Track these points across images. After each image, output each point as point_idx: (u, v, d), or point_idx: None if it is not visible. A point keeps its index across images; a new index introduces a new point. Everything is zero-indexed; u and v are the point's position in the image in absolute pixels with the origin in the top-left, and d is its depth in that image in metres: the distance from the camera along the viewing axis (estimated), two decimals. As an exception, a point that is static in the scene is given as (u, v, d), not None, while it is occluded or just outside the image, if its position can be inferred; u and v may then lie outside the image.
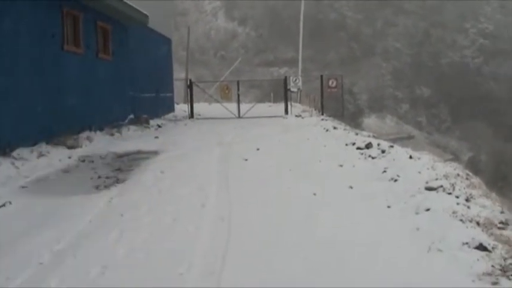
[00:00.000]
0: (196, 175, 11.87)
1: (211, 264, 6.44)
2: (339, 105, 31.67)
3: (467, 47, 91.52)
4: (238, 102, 29.02)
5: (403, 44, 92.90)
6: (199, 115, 28.80)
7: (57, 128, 15.95)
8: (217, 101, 31.45)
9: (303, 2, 46.18)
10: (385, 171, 11.58)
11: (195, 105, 29.64)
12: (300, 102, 39.69)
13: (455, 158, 69.55)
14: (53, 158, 13.87)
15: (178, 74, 53.09)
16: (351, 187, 10.44)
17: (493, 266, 6.31)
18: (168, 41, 31.95)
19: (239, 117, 27.98)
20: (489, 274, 6.12)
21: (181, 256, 6.73)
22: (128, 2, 20.84)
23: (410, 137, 74.26)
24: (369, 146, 14.70)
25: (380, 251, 6.97)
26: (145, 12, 22.60)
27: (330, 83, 29.43)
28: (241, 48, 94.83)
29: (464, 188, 9.82)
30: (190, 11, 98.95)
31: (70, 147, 15.50)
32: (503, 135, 79.46)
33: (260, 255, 6.75)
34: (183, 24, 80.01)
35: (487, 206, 8.94)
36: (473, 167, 59.17)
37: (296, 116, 27.33)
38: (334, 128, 20.68)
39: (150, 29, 26.42)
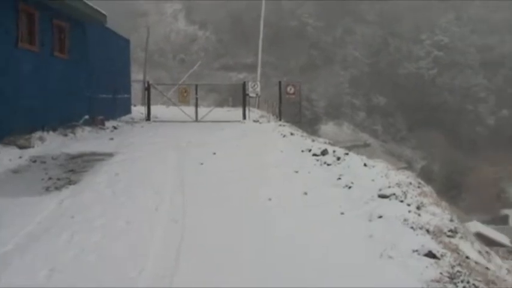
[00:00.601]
0: (151, 178, 11.77)
1: (164, 268, 6.39)
2: (296, 112, 31.80)
3: (423, 58, 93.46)
4: (196, 105, 28.89)
5: (362, 52, 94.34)
6: (157, 118, 28.53)
7: (8, 127, 15.55)
8: (175, 104, 31.24)
9: (263, 8, 46.36)
10: (339, 178, 11.70)
11: (152, 107, 29.36)
12: (258, 108, 39.75)
13: (409, 166, 70.83)
14: (3, 158, 13.52)
15: (137, 76, 52.63)
16: (306, 193, 10.50)
17: (441, 273, 6.44)
18: (126, 42, 31.60)
19: (197, 121, 27.86)
20: (437, 281, 6.25)
21: (133, 259, 6.66)
22: (86, 1, 20.55)
23: (366, 145, 75.33)
24: (324, 152, 14.80)
25: (333, 257, 7.04)
26: (103, 12, 22.31)
27: (289, 89, 29.55)
28: (201, 52, 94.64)
29: (415, 196, 10.01)
30: (151, 13, 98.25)
31: (21, 147, 15.12)
32: (456, 144, 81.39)
33: (213, 258, 6.73)
34: (143, 25, 79.31)
35: (437, 214, 9.14)
36: (426, 175, 60.34)
37: (254, 121, 27.33)
38: (291, 134, 20.76)
39: (108, 29, 26.09)
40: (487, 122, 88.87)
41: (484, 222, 47.81)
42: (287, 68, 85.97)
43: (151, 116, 28.45)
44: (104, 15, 22.54)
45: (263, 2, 47.74)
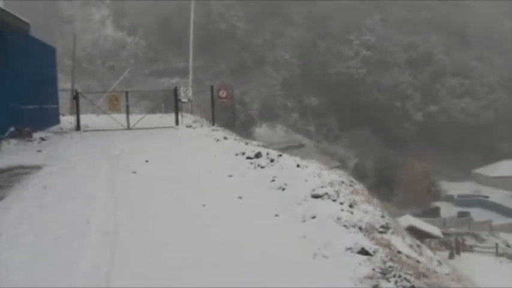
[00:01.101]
0: (81, 190, 11.45)
1: (95, 284, 6.21)
2: (230, 115, 31.82)
3: (352, 57, 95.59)
4: (127, 113, 28.40)
5: (292, 54, 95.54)
6: (87, 127, 27.86)
7: None
8: (106, 113, 30.60)
9: (192, 11, 46.09)
10: (273, 180, 11.76)
11: (82, 116, 28.62)
12: (191, 113, 39.46)
13: (343, 164, 72.25)
14: None
15: (65, 85, 51.26)
16: (240, 197, 10.49)
17: (373, 269, 6.55)
18: (52, 50, 30.74)
19: (129, 128, 27.38)
20: (370, 277, 6.35)
21: (62, 277, 6.44)
22: (7, 10, 19.86)
23: (300, 146, 76.24)
24: (258, 155, 14.85)
25: (268, 259, 7.05)
26: (26, 20, 21.62)
27: (221, 93, 29.45)
28: (131, 58, 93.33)
29: (348, 195, 10.16)
30: (77, 19, 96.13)
31: None
32: (386, 142, 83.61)
33: (147, 272, 6.59)
34: (70, 32, 77.50)
35: (369, 211, 9.31)
36: (359, 173, 61.70)
37: (187, 126, 27.12)
38: (225, 138, 20.73)
39: (32, 38, 25.31)
40: (415, 118, 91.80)
41: (416, 215, 49.17)
42: (219, 71, 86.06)
43: (81, 125, 27.76)
44: (27, 24, 21.86)
45: (192, 5, 47.47)
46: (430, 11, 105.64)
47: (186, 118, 31.52)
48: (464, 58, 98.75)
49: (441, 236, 42.11)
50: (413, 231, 33.46)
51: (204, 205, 9.78)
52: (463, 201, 70.68)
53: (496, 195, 72.63)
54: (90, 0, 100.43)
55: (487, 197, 73.27)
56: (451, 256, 42.74)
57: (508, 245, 52.17)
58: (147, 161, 15.05)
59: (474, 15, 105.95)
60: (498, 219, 60.97)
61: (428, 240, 40.67)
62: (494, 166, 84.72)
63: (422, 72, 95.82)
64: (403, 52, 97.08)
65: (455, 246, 44.86)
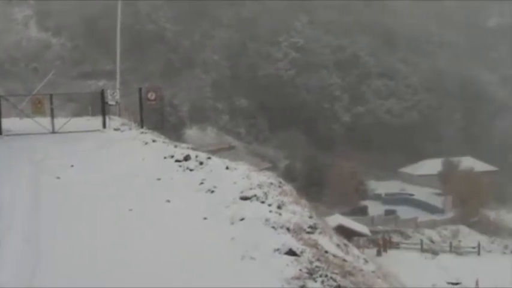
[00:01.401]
0: (1, 196, 11.02)
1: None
2: (159, 118, 31.39)
3: (281, 59, 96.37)
4: (52, 116, 27.50)
5: (221, 56, 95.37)
6: (9, 131, 26.83)
7: None
8: (29, 116, 29.54)
9: (119, 12, 45.19)
10: (202, 183, 11.73)
11: (4, 120, 27.54)
12: (119, 116, 38.67)
13: (273, 166, 72.68)
14: None
15: (-14, 87, 49.33)
16: (169, 200, 10.40)
17: (300, 269, 6.66)
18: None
19: (54, 132, 26.55)
20: (297, 278, 6.45)
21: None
22: None
23: (231, 148, 76.18)
24: (187, 158, 14.77)
25: (197, 261, 7.03)
26: None
27: (149, 95, 29.00)
28: (56, 60, 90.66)
29: (276, 196, 10.27)
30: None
31: None
32: (316, 142, 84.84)
33: (69, 276, 6.42)
34: (-10, 33, 74.71)
35: (297, 212, 9.45)
36: (289, 174, 62.25)
37: (115, 129, 26.53)
38: (154, 141, 20.45)
39: None
40: (343, 119, 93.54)
41: (345, 214, 50.14)
42: (147, 73, 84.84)
43: (3, 129, 26.72)
44: None
45: (119, 5, 46.56)
46: (357, 13, 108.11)
47: (114, 121, 30.88)
48: (389, 60, 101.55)
49: (369, 234, 43.16)
50: (342, 230, 34.17)
51: (130, 209, 9.63)
52: (390, 199, 72.61)
53: (420, 193, 75.02)
54: (12, 0, 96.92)
55: (412, 195, 75.55)
56: (378, 253, 43.87)
57: (432, 241, 54.09)
58: (72, 166, 14.66)
59: (399, 18, 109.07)
60: (423, 216, 63.03)
61: (356, 238, 41.61)
62: (418, 165, 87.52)
63: (349, 74, 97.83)
64: (331, 54, 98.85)
65: (382, 244, 46.08)
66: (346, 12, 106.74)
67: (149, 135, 22.92)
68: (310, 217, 9.41)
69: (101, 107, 28.67)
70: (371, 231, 45.33)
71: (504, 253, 52.58)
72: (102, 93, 28.77)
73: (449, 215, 63.92)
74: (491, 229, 64.62)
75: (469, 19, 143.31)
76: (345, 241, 11.03)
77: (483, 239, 56.40)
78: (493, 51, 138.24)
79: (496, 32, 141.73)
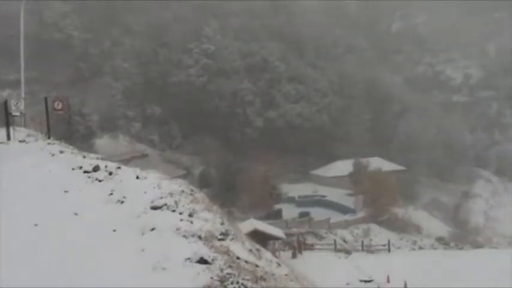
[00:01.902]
0: None
1: None
2: (66, 128, 30.49)
3: (192, 66, 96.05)
4: None
5: (132, 63, 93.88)
6: None
7: None
8: None
9: (22, 20, 43.59)
10: (111, 194, 11.46)
11: None
12: (25, 126, 37.23)
13: (188, 173, 72.42)
14: None
15: None
16: (76, 213, 10.07)
17: (212, 277, 6.63)
18: None
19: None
20: (209, 286, 6.42)
21: None
22: None
23: (144, 156, 75.16)
24: (96, 168, 14.37)
25: (107, 275, 6.84)
26: None
27: (56, 104, 28.04)
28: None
29: (188, 204, 10.19)
30: None
31: None
32: (229, 148, 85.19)
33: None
34: None
35: (209, 219, 9.41)
36: (204, 180, 62.27)
37: (20, 141, 25.44)
38: (61, 152, 19.74)
39: None
40: (256, 124, 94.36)
41: (260, 218, 50.46)
42: (55, 82, 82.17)
43: None
44: None
45: (21, 13, 44.91)
46: (266, 19, 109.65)
47: (19, 132, 29.66)
48: (298, 65, 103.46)
49: (284, 237, 43.63)
50: (257, 234, 34.38)
51: (36, 224, 9.25)
52: (303, 202, 73.90)
53: (333, 194, 76.81)
54: None
55: (324, 196, 77.22)
56: (293, 255, 44.52)
57: (345, 241, 55.49)
58: (-28, 182, 13.90)
59: (307, 23, 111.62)
60: (336, 217, 64.46)
61: (272, 241, 41.98)
62: (330, 167, 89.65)
63: (260, 79, 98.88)
64: (242, 60, 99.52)
65: (297, 246, 46.76)
66: (254, 18, 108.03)
67: (56, 146, 22.16)
68: (222, 224, 9.39)
69: (5, 118, 27.48)
70: (286, 234, 45.85)
71: (413, 249, 54.76)
72: (5, 104, 27.56)
73: (361, 214, 65.87)
74: (400, 226, 67.28)
75: (374, 24, 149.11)
76: (258, 246, 11.07)
77: (393, 236, 58.51)
78: (396, 54, 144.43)
79: (398, 36, 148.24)
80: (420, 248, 56.49)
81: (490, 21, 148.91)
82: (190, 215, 9.44)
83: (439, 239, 65.06)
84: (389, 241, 50.79)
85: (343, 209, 69.47)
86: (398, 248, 53.37)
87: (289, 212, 64.69)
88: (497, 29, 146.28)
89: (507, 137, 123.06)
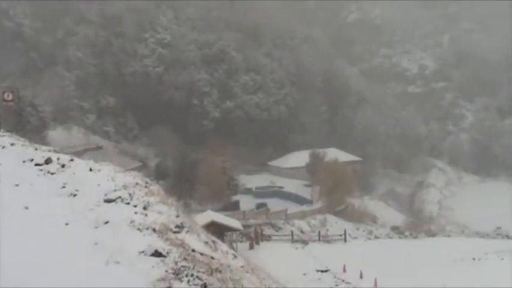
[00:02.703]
0: None
1: None
2: (17, 119, 29.86)
3: (148, 56, 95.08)
4: None
5: (86, 53, 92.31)
6: None
7: None
8: None
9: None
10: (64, 187, 11.27)
11: None
12: (-27, 118, 36.35)
13: (144, 165, 71.77)
14: None
15: None
16: (27, 207, 9.88)
17: (166, 270, 6.62)
18: None
19: None
20: (163, 279, 6.41)
21: None
22: None
23: (98, 148, 74.06)
24: (48, 161, 14.10)
25: (60, 269, 6.75)
26: None
27: (6, 96, 27.50)
28: None
29: (142, 197, 10.12)
30: None
31: None
32: (186, 139, 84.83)
33: None
34: None
35: (164, 212, 9.38)
36: (160, 172, 61.77)
37: (-33, 133, 24.84)
38: (12, 144, 19.30)
39: None
40: (213, 115, 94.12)
41: (217, 210, 50.43)
42: (7, 72, 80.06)
43: None
44: None
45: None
46: (223, 10, 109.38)
47: (-34, 126, 28.96)
48: (255, 55, 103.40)
49: (241, 228, 43.68)
50: (215, 226, 34.43)
51: (-15, 219, 9.04)
52: (261, 193, 74.24)
53: (290, 185, 77.38)
54: None
55: (282, 187, 77.68)
56: (251, 247, 44.66)
57: (302, 231, 55.93)
58: None
59: (264, 14, 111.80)
60: (293, 208, 64.89)
61: (230, 233, 42.06)
62: (287, 157, 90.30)
63: (217, 70, 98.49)
64: (198, 50, 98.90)
65: (254, 237, 46.90)
66: (211, 8, 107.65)
67: (7, 139, 21.64)
68: (177, 216, 9.37)
69: (-50, 111, 26.81)
70: (243, 225, 45.95)
71: (368, 239, 55.62)
72: (-51, 96, 26.91)
73: (318, 205, 66.54)
74: (356, 216, 68.32)
75: (331, 16, 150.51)
76: (214, 238, 11.10)
77: (349, 227, 59.36)
78: (353, 46, 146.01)
79: (355, 27, 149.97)
80: (376, 237, 57.45)
81: (444, 14, 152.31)
82: (144, 208, 9.39)
83: (394, 228, 66.36)
84: (345, 231, 51.49)
85: (300, 200, 70.09)
86: (355, 238, 54.17)
87: (246, 203, 64.96)
88: (451, 21, 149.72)
89: (460, 128, 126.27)
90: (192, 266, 6.93)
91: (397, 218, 75.98)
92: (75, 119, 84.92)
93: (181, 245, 7.92)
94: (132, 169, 29.04)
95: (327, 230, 56.53)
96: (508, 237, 60.91)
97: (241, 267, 9.30)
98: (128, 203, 9.57)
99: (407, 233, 61.86)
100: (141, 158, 79.13)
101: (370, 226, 66.00)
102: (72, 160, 13.90)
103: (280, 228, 54.69)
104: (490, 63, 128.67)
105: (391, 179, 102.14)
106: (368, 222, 69.04)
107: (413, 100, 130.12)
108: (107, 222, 8.50)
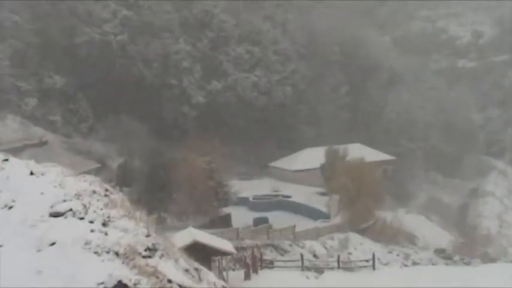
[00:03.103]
0: None
1: None
2: None
3: (108, 20, 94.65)
4: None
5: (25, 17, 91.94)
6: None
7: None
8: None
9: None
10: (-5, 196, 11.29)
11: None
12: None
13: (103, 166, 71.75)
14: None
15: None
16: None
17: (134, 308, 6.65)
18: None
19: None
20: (130, 320, 6.42)
21: None
22: None
23: (42, 143, 74.05)
24: (-27, 161, 14.15)
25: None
26: None
27: None
28: None
29: (101, 209, 10.12)
30: None
31: None
32: (160, 132, 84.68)
33: None
34: None
35: (130, 230, 9.37)
36: (125, 175, 61.80)
37: None
38: None
39: None
40: (195, 100, 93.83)
41: (202, 227, 50.35)
42: None
43: None
44: None
45: None
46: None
47: None
48: (252, 19, 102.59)
49: (234, 251, 43.70)
50: (198, 248, 34.43)
51: None
52: (260, 204, 74.21)
53: (299, 194, 77.27)
54: None
55: (288, 196, 77.63)
56: (246, 276, 44.62)
57: (315, 256, 55.92)
58: None
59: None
60: (303, 224, 64.71)
61: (219, 258, 42.07)
62: (294, 157, 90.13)
63: (201, 39, 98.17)
64: (176, 12, 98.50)
65: (251, 263, 46.90)
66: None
67: None
68: (148, 235, 9.38)
69: None
70: (237, 248, 46.00)
71: (405, 265, 55.68)
72: None
73: (337, 220, 66.61)
74: (388, 235, 68.26)
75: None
76: (197, 265, 11.11)
77: (378, 249, 59.36)
78: (382, 6, 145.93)
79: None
80: (415, 263, 57.52)
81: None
82: (104, 224, 9.40)
83: (439, 252, 66.45)
84: (373, 255, 51.55)
85: (312, 213, 70.19)
86: (386, 264, 54.23)
87: (241, 218, 64.98)
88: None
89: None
90: (168, 303, 6.96)
91: (442, 237, 76.12)
92: (10, 104, 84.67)
93: (154, 273, 7.93)
94: (87, 172, 29.02)
95: (349, 253, 56.61)
96: None
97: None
98: (82, 218, 9.58)
99: (456, 258, 61.98)
100: (99, 157, 79.11)
101: (407, 248, 66.11)
102: (6, 160, 13.90)
103: (286, 252, 54.78)
104: None
105: (435, 185, 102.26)
106: (404, 243, 69.17)
107: (465, 78, 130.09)
108: (53, 244, 8.51)
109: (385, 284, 42.89)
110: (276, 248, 55.01)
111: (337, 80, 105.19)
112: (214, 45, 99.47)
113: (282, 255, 53.67)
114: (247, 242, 54.07)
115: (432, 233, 77.36)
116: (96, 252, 8.18)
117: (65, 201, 10.23)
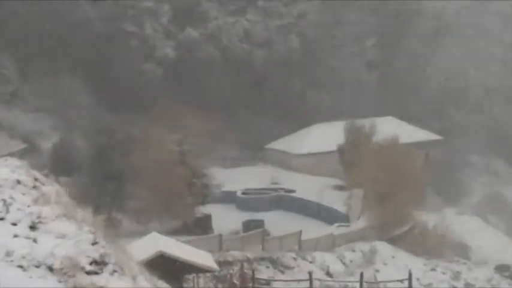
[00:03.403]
0: None
1: None
2: None
3: None
4: None
5: None
6: None
7: None
8: None
9: None
10: None
11: None
12: None
13: (31, 146, 71.78)
14: None
15: None
16: None
17: None
18: None
19: None
20: None
21: None
22: None
23: None
24: None
25: None
26: None
27: None
28: None
29: (28, 206, 10.09)
30: None
31: None
32: (109, 99, 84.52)
33: None
34: None
35: (69, 235, 9.33)
36: (63, 159, 61.75)
37: None
38: None
39: None
40: (161, 52, 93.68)
41: (172, 233, 50.42)
42: None
43: None
44: None
45: None
46: None
47: None
48: None
49: (216, 267, 43.87)
50: (165, 262, 34.49)
51: None
52: (253, 201, 74.03)
53: (306, 187, 76.98)
54: None
55: (292, 191, 77.40)
56: (234, 302, 44.86)
57: (329, 273, 56.06)
58: None
59: None
60: (312, 229, 64.62)
61: (194, 276, 42.19)
62: (301, 135, 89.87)
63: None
64: None
65: (240, 284, 47.03)
66: None
67: None
68: (95, 243, 9.36)
69: None
70: (219, 263, 46.22)
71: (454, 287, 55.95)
72: None
73: (360, 224, 66.66)
74: (431, 246, 68.33)
75: None
76: (163, 284, 11.12)
77: (417, 265, 59.56)
78: None
79: None
80: (468, 284, 57.79)
81: None
82: (32, 227, 9.37)
83: (502, 269, 66.65)
84: (410, 273, 51.82)
85: (326, 215, 70.26)
86: (428, 285, 54.50)
87: (225, 220, 65.06)
88: None
89: None
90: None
91: (506, 248, 76.28)
92: None
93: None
94: (10, 154, 28.99)
95: (376, 271, 56.84)
96: None
97: None
98: (2, 219, 9.55)
99: (526, 278, 62.28)
100: (26, 134, 79.15)
101: (457, 264, 66.27)
102: None
103: (288, 268, 55.02)
104: None
105: (496, 177, 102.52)
106: (453, 256, 69.32)
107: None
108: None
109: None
110: (274, 263, 55.22)
111: (362, 27, 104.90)
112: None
113: (283, 272, 53.90)
114: (234, 255, 54.23)
115: (492, 242, 77.52)
116: (20, 266, 8.14)
117: (-22, 194, 10.24)
